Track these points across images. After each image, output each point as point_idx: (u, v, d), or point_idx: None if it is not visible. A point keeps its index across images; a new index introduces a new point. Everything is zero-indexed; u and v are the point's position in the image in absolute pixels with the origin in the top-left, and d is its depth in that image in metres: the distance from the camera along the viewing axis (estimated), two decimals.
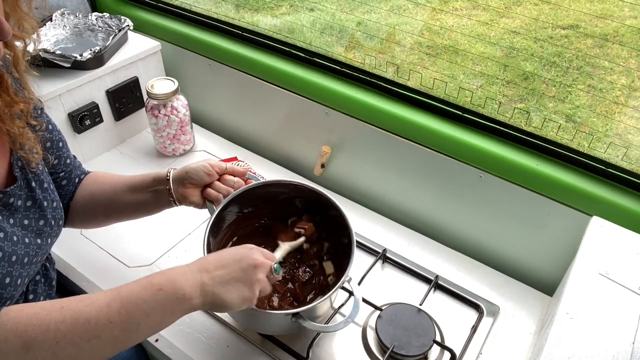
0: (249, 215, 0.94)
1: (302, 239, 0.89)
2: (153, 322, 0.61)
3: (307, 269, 0.90)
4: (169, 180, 0.84)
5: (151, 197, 0.86)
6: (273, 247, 0.88)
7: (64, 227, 0.81)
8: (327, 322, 0.89)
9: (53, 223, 0.75)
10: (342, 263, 0.86)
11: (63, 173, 0.85)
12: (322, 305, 0.78)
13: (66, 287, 1.01)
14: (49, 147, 0.80)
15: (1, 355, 0.54)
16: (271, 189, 0.90)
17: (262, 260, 0.68)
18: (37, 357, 0.55)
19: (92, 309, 0.57)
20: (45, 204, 0.73)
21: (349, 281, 0.81)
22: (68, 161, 0.85)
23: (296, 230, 0.91)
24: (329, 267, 0.91)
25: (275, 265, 0.70)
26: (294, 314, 0.73)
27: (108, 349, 0.59)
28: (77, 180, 0.88)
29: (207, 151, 1.30)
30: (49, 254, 0.82)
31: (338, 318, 0.91)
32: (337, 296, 0.88)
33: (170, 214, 1.13)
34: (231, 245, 0.93)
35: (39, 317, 0.55)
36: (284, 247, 0.87)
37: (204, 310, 0.67)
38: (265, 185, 0.89)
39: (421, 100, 1.05)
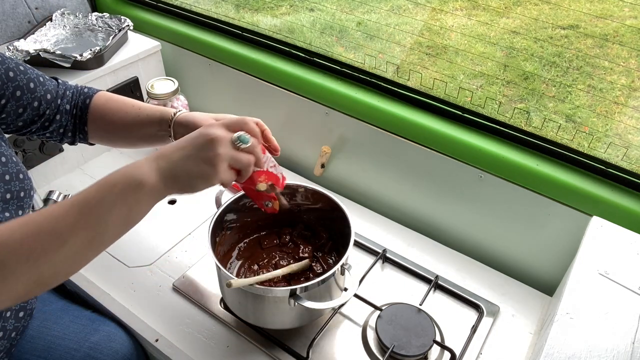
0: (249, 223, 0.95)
1: (306, 261, 0.89)
2: (120, 214, 0.60)
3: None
4: (170, 127, 0.80)
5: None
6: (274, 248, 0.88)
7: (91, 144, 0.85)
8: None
9: (22, 195, 0.74)
10: (341, 253, 0.88)
11: (49, 110, 0.82)
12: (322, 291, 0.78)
13: (66, 287, 1.01)
14: (19, 97, 0.76)
15: None
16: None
17: (220, 134, 0.64)
18: (15, 273, 0.55)
19: (52, 219, 0.57)
20: (7, 177, 0.72)
21: (348, 269, 0.82)
22: (49, 97, 0.81)
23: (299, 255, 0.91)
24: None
25: (235, 136, 0.65)
26: (292, 294, 0.74)
27: (85, 252, 0.59)
28: (79, 104, 0.84)
29: None
30: None
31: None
32: (337, 297, 0.88)
33: (170, 214, 1.13)
34: (242, 245, 0.94)
35: (3, 237, 0.55)
36: (291, 267, 0.86)
37: (170, 194, 0.65)
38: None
39: (421, 100, 1.05)
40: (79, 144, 0.89)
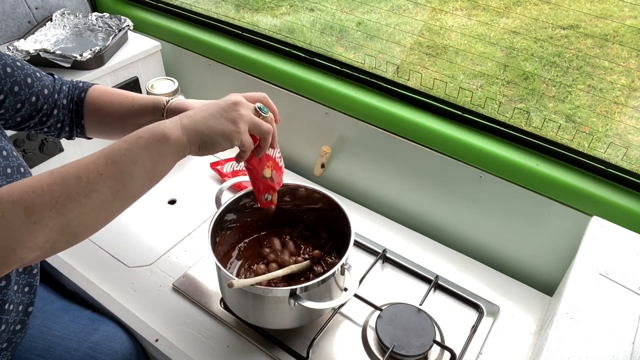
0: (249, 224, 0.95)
1: (306, 262, 0.89)
2: (145, 167, 0.63)
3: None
4: (163, 115, 0.81)
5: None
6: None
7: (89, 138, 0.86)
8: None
9: (9, 171, 0.74)
10: (341, 253, 0.88)
11: (47, 105, 0.82)
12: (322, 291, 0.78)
13: (67, 287, 1.01)
14: (17, 92, 0.77)
15: (11, 227, 0.54)
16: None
17: (243, 100, 0.69)
18: (43, 219, 0.56)
19: (80, 167, 0.59)
20: (8, 170, 0.72)
21: (348, 269, 0.82)
22: (46, 91, 0.82)
23: (303, 256, 0.91)
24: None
25: (258, 105, 0.71)
26: (292, 294, 0.74)
27: (110, 202, 0.61)
28: (75, 98, 0.85)
29: None
30: None
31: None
32: (337, 297, 0.88)
33: (170, 214, 1.13)
34: (242, 245, 0.95)
35: (31, 184, 0.56)
36: (291, 268, 0.86)
37: (194, 153, 0.68)
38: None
39: (421, 100, 1.05)
40: (76, 138, 0.89)
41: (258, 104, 0.71)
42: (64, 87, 0.85)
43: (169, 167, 0.66)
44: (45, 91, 0.82)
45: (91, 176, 0.59)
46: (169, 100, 0.81)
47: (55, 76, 0.86)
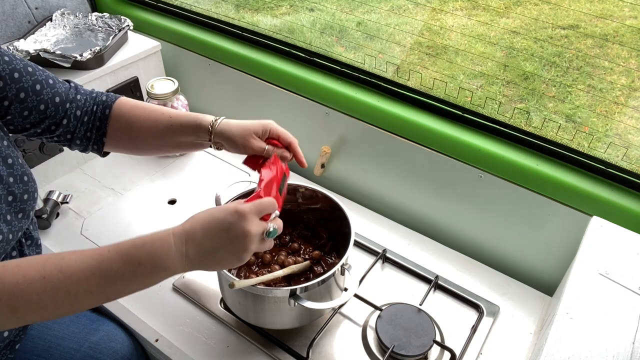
0: None
1: (307, 263, 0.89)
2: (134, 289, 0.63)
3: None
4: (210, 139, 0.80)
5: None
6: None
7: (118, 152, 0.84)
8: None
9: (26, 197, 0.73)
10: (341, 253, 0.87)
11: (56, 114, 0.79)
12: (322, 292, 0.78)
13: None
14: (23, 99, 0.74)
15: None
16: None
17: (253, 230, 0.64)
18: (26, 316, 0.59)
19: (72, 282, 0.59)
20: (11, 179, 0.71)
21: (348, 269, 0.82)
22: (57, 100, 0.78)
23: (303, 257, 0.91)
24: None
25: (270, 229, 0.66)
26: (292, 294, 0.74)
27: (90, 305, 0.63)
28: (99, 114, 0.82)
29: (207, 151, 1.31)
30: (30, 233, 0.80)
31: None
32: (337, 297, 0.88)
33: (170, 214, 1.13)
34: None
35: (21, 288, 0.57)
36: (291, 268, 0.86)
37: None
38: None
39: (421, 100, 1.05)
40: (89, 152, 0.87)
41: (268, 231, 0.66)
42: (80, 97, 0.82)
43: (157, 283, 0.65)
44: (57, 99, 0.78)
45: (80, 292, 0.60)
46: (215, 121, 0.80)
47: (72, 83, 0.83)
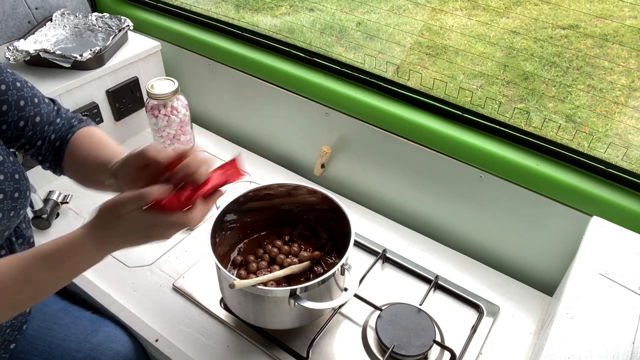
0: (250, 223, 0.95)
1: (307, 263, 0.89)
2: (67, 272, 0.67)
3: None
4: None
5: None
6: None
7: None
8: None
9: (17, 196, 0.73)
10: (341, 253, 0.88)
11: (32, 134, 0.78)
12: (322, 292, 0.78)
13: (66, 288, 1.01)
14: (5, 112, 0.74)
15: None
16: (266, 191, 0.91)
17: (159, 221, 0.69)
18: None
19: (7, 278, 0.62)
20: (1, 177, 0.71)
21: (348, 269, 0.82)
22: (37, 119, 0.77)
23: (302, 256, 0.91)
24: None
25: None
26: (292, 294, 0.75)
27: (46, 291, 0.67)
28: (62, 136, 0.80)
29: (207, 151, 1.31)
30: (22, 232, 0.80)
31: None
32: (337, 297, 0.88)
33: None
34: (241, 245, 0.94)
35: None
36: (291, 268, 0.86)
37: None
38: (260, 189, 0.90)
39: (421, 100, 1.05)
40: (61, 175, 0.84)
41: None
42: (59, 120, 0.81)
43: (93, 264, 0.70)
44: (37, 119, 0.78)
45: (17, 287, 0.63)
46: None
47: (56, 106, 0.82)
